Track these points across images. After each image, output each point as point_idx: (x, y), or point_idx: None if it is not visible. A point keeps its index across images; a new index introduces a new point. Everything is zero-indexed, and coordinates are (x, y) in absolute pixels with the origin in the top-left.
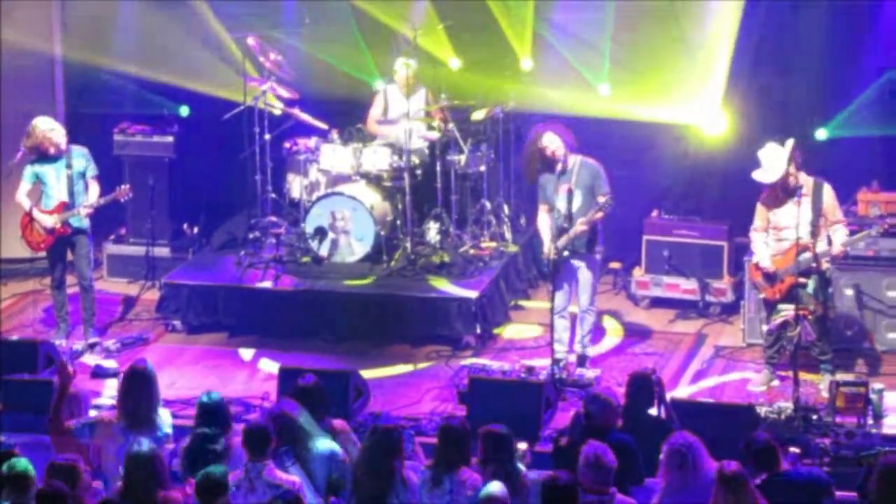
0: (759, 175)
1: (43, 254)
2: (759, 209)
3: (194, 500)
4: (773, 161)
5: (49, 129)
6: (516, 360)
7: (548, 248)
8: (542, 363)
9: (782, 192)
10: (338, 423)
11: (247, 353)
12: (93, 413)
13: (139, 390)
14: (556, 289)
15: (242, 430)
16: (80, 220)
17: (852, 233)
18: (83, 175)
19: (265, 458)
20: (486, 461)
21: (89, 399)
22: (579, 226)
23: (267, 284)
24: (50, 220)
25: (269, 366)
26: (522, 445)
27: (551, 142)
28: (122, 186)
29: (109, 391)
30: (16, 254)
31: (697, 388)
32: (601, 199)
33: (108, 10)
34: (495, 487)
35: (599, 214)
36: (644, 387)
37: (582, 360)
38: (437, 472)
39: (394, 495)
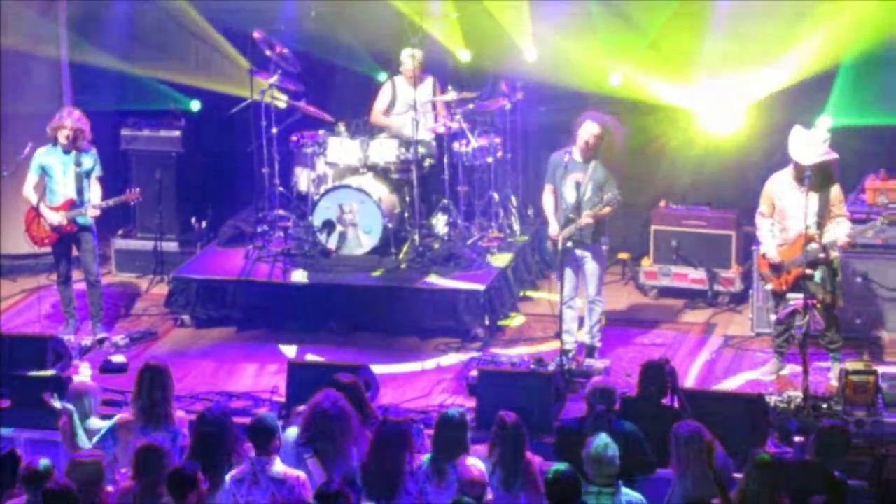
0: (800, 155)
1: (47, 248)
2: (765, 194)
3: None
4: (814, 142)
5: (79, 120)
6: (525, 351)
7: (554, 228)
8: (551, 346)
9: (792, 180)
10: None
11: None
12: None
13: (154, 387)
14: (563, 279)
15: (248, 425)
16: (86, 217)
17: (861, 221)
18: (89, 175)
19: (270, 452)
20: (492, 445)
21: (98, 395)
22: (586, 218)
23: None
24: (57, 217)
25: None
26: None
27: (590, 131)
28: (133, 189)
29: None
30: (22, 250)
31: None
32: (608, 195)
33: (113, 8)
34: (475, 469)
35: (607, 209)
36: (657, 377)
37: (591, 351)
38: (438, 463)
39: (404, 489)
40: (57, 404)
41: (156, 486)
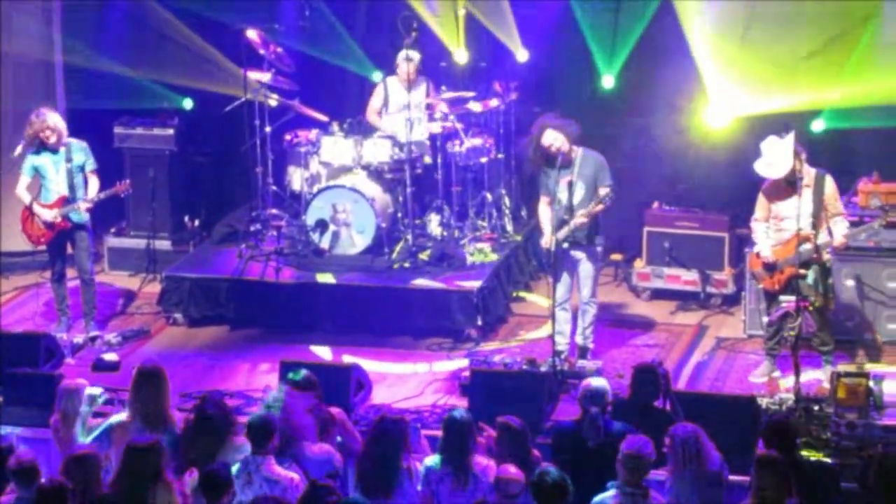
0: (764, 170)
1: (44, 247)
2: (761, 199)
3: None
4: (778, 155)
5: (51, 117)
6: (518, 351)
7: (547, 239)
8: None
9: (785, 183)
10: (335, 411)
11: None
12: (86, 408)
13: (150, 391)
14: (557, 280)
15: (248, 423)
16: (80, 214)
17: (853, 224)
18: (82, 169)
19: (266, 451)
20: (501, 455)
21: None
22: (579, 217)
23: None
24: (50, 215)
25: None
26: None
27: (554, 139)
28: (122, 181)
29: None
30: (17, 247)
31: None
32: (602, 192)
33: (106, 9)
34: (511, 467)
35: (600, 207)
36: (650, 379)
37: (583, 352)
38: (455, 468)
39: (400, 487)
40: None
41: (141, 486)
